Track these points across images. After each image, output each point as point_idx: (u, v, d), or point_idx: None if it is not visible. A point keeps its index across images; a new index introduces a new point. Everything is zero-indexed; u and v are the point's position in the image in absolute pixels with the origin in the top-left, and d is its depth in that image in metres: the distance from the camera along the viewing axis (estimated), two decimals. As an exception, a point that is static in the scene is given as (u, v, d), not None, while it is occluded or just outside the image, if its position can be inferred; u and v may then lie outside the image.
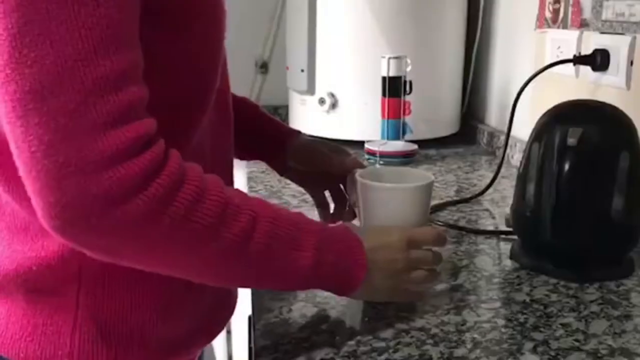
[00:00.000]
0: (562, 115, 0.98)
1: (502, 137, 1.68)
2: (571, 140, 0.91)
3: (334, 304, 0.86)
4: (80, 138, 0.57)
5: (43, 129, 0.57)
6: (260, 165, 1.61)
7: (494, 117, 1.83)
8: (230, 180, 0.89)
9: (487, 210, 1.28)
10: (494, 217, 1.24)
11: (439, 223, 1.18)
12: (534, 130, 1.00)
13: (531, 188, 0.97)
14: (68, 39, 0.56)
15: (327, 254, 0.73)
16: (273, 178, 1.49)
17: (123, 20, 0.59)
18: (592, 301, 0.88)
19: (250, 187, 1.42)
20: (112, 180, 0.58)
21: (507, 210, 1.06)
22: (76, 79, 0.56)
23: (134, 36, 0.61)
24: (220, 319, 0.86)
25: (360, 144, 1.72)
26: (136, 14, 0.62)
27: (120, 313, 0.72)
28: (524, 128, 1.51)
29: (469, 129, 1.90)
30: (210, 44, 0.73)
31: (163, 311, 0.75)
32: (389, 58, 1.61)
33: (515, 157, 1.58)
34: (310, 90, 1.82)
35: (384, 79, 1.62)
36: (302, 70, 1.82)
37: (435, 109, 1.81)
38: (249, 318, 1.19)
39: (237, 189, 0.71)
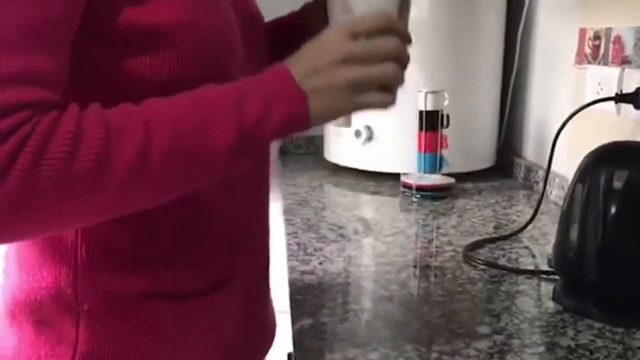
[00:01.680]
0: (606, 157, 0.97)
1: (540, 172, 1.67)
2: (617, 184, 0.90)
3: (376, 345, 0.86)
4: None
5: None
6: (297, 197, 1.62)
7: (531, 150, 1.82)
8: (264, 212, 0.90)
9: (527, 248, 1.26)
10: (534, 256, 1.22)
11: (479, 261, 1.17)
12: (578, 170, 0.99)
13: (575, 229, 0.96)
14: None
15: (250, 107, 0.67)
16: (310, 210, 1.50)
17: (35, 21, 0.58)
18: None
19: (287, 220, 1.42)
20: None
21: (548, 248, 1.05)
22: None
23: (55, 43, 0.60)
24: (247, 355, 0.86)
25: (396, 176, 1.72)
26: (66, 22, 0.61)
27: (119, 347, 0.73)
28: (562, 163, 1.50)
29: (506, 162, 1.89)
30: (200, 63, 0.71)
31: (165, 346, 0.75)
32: (427, 92, 1.61)
33: (554, 192, 1.56)
34: (347, 122, 1.82)
35: (421, 112, 1.63)
36: (339, 103, 1.82)
37: (471, 142, 1.80)
38: (289, 356, 1.19)
39: (124, 107, 0.64)
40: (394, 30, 0.73)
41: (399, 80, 0.74)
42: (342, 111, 0.73)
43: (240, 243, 0.84)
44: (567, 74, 1.57)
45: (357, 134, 1.79)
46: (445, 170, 1.67)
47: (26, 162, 0.56)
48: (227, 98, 0.67)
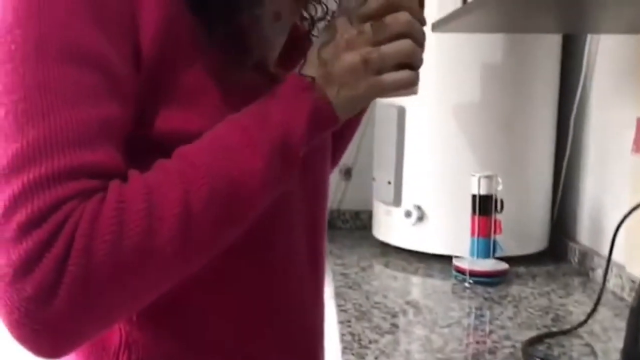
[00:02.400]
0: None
1: (596, 258, 1.64)
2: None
3: None
4: None
5: None
6: (347, 279, 1.60)
7: (585, 235, 1.79)
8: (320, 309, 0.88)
9: (588, 345, 1.22)
10: (596, 354, 1.18)
11: (537, 359, 1.13)
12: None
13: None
14: None
15: (272, 121, 0.67)
16: (361, 295, 1.48)
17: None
18: None
19: (339, 306, 1.41)
20: (30, 284, 0.57)
21: (611, 346, 1.01)
22: None
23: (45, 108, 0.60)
24: None
25: (447, 259, 1.70)
26: (117, 122, 0.63)
27: None
28: (619, 251, 1.47)
29: (559, 245, 1.86)
30: None
31: None
32: (480, 177, 1.60)
33: (612, 281, 1.53)
34: (397, 202, 1.82)
35: (474, 196, 1.61)
36: (389, 182, 1.82)
37: (524, 225, 1.78)
38: None
39: (159, 168, 0.65)
40: (402, 7, 0.70)
41: (415, 57, 0.71)
42: (363, 95, 0.71)
43: (294, 339, 0.83)
44: (623, 160, 1.55)
45: (408, 214, 1.78)
46: (498, 254, 1.64)
47: (78, 253, 0.57)
48: (249, 126, 0.67)
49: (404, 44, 0.69)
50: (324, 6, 0.79)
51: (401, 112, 1.79)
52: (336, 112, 0.70)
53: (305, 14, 0.87)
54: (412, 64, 0.71)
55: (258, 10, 0.72)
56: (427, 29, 0.75)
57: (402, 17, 0.69)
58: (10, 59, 0.60)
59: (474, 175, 1.61)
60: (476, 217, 1.61)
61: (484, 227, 1.61)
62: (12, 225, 0.57)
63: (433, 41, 0.74)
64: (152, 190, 0.62)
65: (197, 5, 0.68)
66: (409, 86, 0.71)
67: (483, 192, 1.60)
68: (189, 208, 0.62)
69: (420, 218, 1.77)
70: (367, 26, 0.69)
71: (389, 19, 0.69)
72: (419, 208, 1.77)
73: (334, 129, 0.73)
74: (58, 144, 0.59)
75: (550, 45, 1.79)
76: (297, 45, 0.84)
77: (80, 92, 0.60)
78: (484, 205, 1.60)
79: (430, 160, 1.77)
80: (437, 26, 1.44)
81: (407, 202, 1.79)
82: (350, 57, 0.69)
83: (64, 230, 0.58)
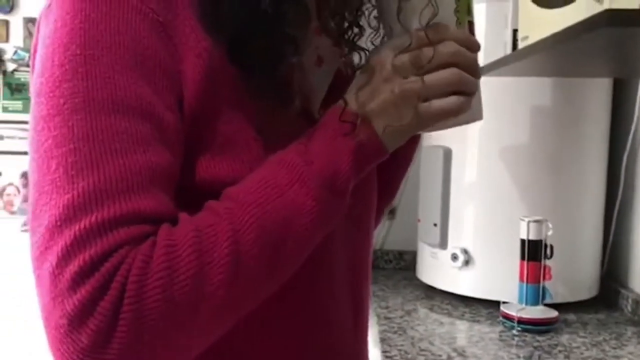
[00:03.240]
0: None
1: (650, 307, 1.58)
2: None
3: None
4: (46, 304, 0.59)
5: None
6: (392, 323, 1.58)
7: (638, 282, 1.73)
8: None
9: (644, 402, 1.18)
10: (653, 412, 1.14)
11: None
12: None
13: None
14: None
15: (317, 157, 0.67)
16: (406, 341, 1.46)
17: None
18: None
19: (384, 352, 1.38)
20: (85, 334, 0.57)
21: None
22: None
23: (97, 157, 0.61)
24: None
25: (494, 304, 1.66)
26: (167, 170, 0.64)
27: None
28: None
29: (610, 292, 1.80)
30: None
31: None
32: (529, 221, 1.57)
33: (667, 332, 1.47)
34: (443, 244, 1.79)
35: (523, 241, 1.58)
36: (435, 225, 1.80)
37: (574, 271, 1.74)
38: None
39: (207, 211, 0.65)
40: (446, 38, 0.70)
41: (464, 84, 0.70)
42: (409, 125, 0.70)
43: None
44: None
45: (454, 257, 1.75)
46: (547, 300, 1.60)
47: (131, 300, 0.58)
48: (295, 163, 0.67)
49: (449, 72, 0.69)
50: (365, 52, 0.79)
51: (447, 153, 1.78)
52: (383, 143, 0.70)
53: (347, 59, 0.88)
54: (462, 91, 0.70)
55: (299, 57, 0.72)
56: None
57: (446, 48, 0.69)
58: (59, 112, 0.61)
59: (523, 220, 1.58)
60: (525, 263, 1.58)
61: (533, 273, 1.57)
62: (66, 276, 0.58)
63: (480, 82, 0.73)
64: (201, 233, 0.61)
65: (238, 56, 0.69)
66: (459, 112, 0.70)
67: (532, 237, 1.57)
68: (238, 249, 0.62)
69: (467, 262, 1.74)
70: (412, 56, 0.69)
71: (432, 50, 0.68)
72: (465, 251, 1.74)
73: (381, 160, 0.72)
74: (108, 192, 0.59)
75: (600, 86, 1.76)
76: (342, 91, 0.84)
77: (129, 140, 0.61)
78: (533, 251, 1.57)
79: (477, 203, 1.75)
80: (485, 70, 1.43)
81: (454, 245, 1.77)
82: (395, 88, 0.69)
83: (117, 278, 0.58)
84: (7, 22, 2.18)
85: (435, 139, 1.81)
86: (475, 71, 0.71)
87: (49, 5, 0.66)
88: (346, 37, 0.77)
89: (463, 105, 0.70)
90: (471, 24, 0.73)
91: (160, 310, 0.58)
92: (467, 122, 0.73)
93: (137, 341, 0.58)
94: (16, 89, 2.11)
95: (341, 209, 0.69)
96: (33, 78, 0.66)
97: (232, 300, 0.63)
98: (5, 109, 2.12)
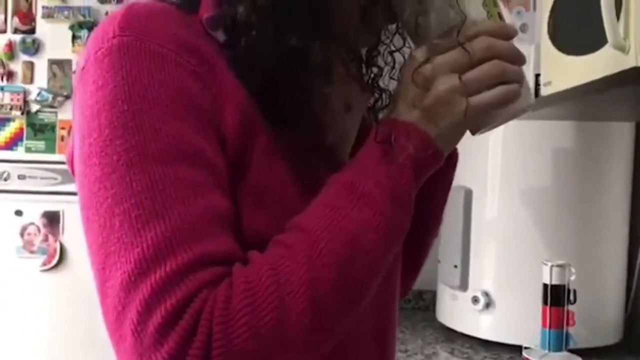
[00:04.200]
0: None
1: (676, 354, 1.55)
2: None
3: None
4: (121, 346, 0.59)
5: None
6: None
7: (663, 326, 1.71)
8: None
9: None
10: None
11: None
12: None
13: None
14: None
15: (377, 167, 0.67)
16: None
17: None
18: None
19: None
20: None
21: None
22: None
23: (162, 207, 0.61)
24: None
25: (516, 348, 1.64)
26: (227, 212, 0.64)
27: None
28: None
29: (634, 337, 1.77)
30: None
31: None
32: (552, 265, 1.55)
33: (695, 381, 1.44)
34: (463, 286, 1.78)
35: (545, 286, 1.56)
36: (455, 266, 1.79)
37: (597, 315, 1.71)
38: None
39: (276, 243, 0.65)
40: (479, 34, 0.70)
41: (508, 74, 0.70)
42: (462, 121, 0.69)
43: None
44: None
45: (475, 300, 1.73)
46: (570, 346, 1.57)
47: (220, 343, 0.57)
48: (355, 182, 0.67)
49: (490, 65, 0.69)
50: (388, 92, 0.79)
51: (468, 194, 1.77)
52: (438, 146, 0.69)
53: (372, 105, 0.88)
54: (508, 81, 0.70)
55: (327, 89, 0.72)
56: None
57: (479, 44, 0.69)
58: (115, 169, 0.61)
59: (545, 264, 1.56)
60: (548, 308, 1.55)
61: (555, 319, 1.55)
62: (150, 330, 0.57)
63: (523, 69, 0.73)
64: (275, 266, 0.62)
65: (270, 100, 0.69)
66: (509, 101, 0.70)
67: (555, 282, 1.55)
68: (314, 276, 0.62)
69: (488, 305, 1.72)
70: (448, 56, 0.69)
71: (467, 47, 0.69)
72: (486, 294, 1.72)
73: (439, 165, 0.71)
74: (177, 240, 0.60)
75: (623, 129, 1.75)
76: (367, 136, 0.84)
77: (187, 187, 0.62)
78: (556, 296, 1.55)
79: (498, 245, 1.73)
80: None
81: (474, 287, 1.75)
82: (437, 88, 0.69)
83: (202, 322, 0.58)
84: (32, 64, 2.22)
85: (456, 179, 1.80)
86: (516, 59, 0.71)
87: (84, 67, 0.66)
88: (369, 80, 0.78)
89: (512, 93, 0.70)
90: (500, 15, 0.73)
91: (250, 347, 0.58)
92: (520, 111, 0.73)
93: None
94: (39, 130, 2.14)
95: (407, 221, 0.69)
96: (77, 143, 0.66)
97: (318, 325, 0.62)
98: (28, 149, 2.15)
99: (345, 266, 0.64)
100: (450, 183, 0.98)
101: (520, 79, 0.71)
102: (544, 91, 1.27)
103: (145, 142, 0.62)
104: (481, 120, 0.73)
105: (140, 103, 0.62)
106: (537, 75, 1.37)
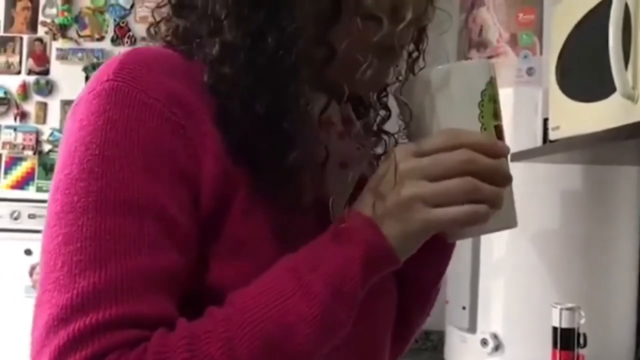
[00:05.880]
0: None
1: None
2: None
3: None
4: None
5: None
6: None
7: (674, 370, 1.69)
8: None
9: None
10: None
11: None
12: None
13: None
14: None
15: (325, 260, 0.65)
16: None
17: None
18: None
19: None
20: None
21: None
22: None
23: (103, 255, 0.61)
24: None
25: (526, 392, 1.63)
26: (174, 273, 0.63)
27: None
28: None
29: (645, 380, 1.76)
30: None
31: None
32: (562, 309, 1.55)
33: None
34: (472, 329, 1.77)
35: (555, 329, 1.55)
36: (464, 308, 1.78)
37: (607, 358, 1.70)
38: None
39: (207, 314, 0.63)
40: (465, 145, 0.66)
41: (478, 194, 0.66)
42: (416, 231, 0.67)
43: None
44: None
45: (484, 342, 1.72)
46: (581, 390, 1.56)
47: None
48: (301, 270, 0.65)
49: (461, 181, 0.65)
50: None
51: (476, 236, 1.77)
52: (393, 249, 0.66)
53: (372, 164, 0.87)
54: (478, 200, 0.66)
55: (304, 157, 0.70)
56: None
57: (457, 156, 0.66)
58: (72, 209, 0.62)
59: (555, 307, 1.56)
60: (557, 352, 1.55)
61: (566, 362, 1.54)
62: None
63: (509, 189, 0.71)
64: (194, 340, 0.60)
65: (246, 155, 0.68)
66: (474, 222, 0.66)
67: (565, 325, 1.54)
68: (233, 355, 0.60)
69: (497, 347, 1.71)
70: (423, 161, 0.67)
71: (444, 156, 0.66)
72: (495, 336, 1.72)
73: (393, 268, 0.69)
74: (106, 294, 0.60)
75: (630, 171, 1.76)
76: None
77: (135, 242, 0.62)
78: (566, 340, 1.54)
79: (507, 287, 1.73)
80: (515, 158, 1.44)
81: (483, 329, 1.74)
82: (403, 192, 0.66)
83: None
84: (45, 105, 2.25)
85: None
86: (498, 179, 0.68)
87: (78, 103, 0.68)
88: (374, 124, 0.78)
89: (477, 215, 0.66)
90: (498, 128, 0.70)
91: None
92: (498, 229, 0.70)
93: None
94: (51, 169, 2.16)
95: (349, 318, 0.66)
96: (54, 173, 0.67)
97: None
98: (39, 189, 2.17)
99: (269, 352, 0.62)
100: (441, 273, 0.91)
101: (495, 201, 0.67)
102: (552, 135, 1.29)
103: (106, 189, 0.62)
104: (451, 232, 0.71)
105: (113, 150, 0.63)
106: (545, 120, 1.39)
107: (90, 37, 2.23)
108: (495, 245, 1.75)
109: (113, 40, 2.27)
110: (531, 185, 1.70)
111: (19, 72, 2.23)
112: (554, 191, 1.70)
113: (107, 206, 0.62)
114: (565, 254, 1.68)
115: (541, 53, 1.65)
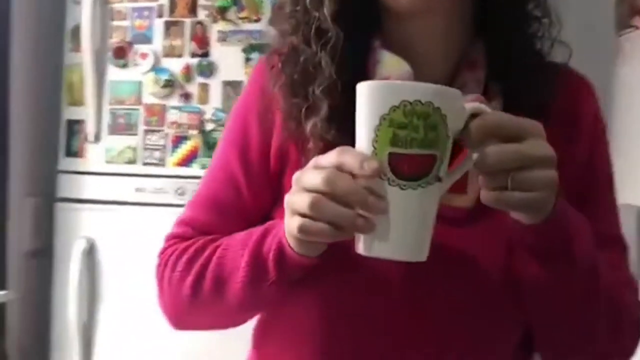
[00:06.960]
0: None
1: None
2: None
3: None
4: None
5: None
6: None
7: None
8: None
9: None
10: None
11: None
12: None
13: None
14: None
15: (255, 238, 0.91)
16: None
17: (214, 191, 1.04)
18: None
19: None
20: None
21: None
22: None
23: (220, 206, 1.02)
24: None
25: None
26: (226, 203, 1.02)
27: None
28: None
29: None
30: None
31: None
32: None
33: None
34: None
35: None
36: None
37: None
38: None
39: (213, 240, 0.98)
40: (339, 164, 0.72)
41: (320, 213, 0.72)
42: (297, 236, 0.78)
43: None
44: None
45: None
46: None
47: (162, 269, 1.01)
48: (252, 233, 0.92)
49: (306, 197, 0.72)
50: None
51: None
52: (284, 244, 0.84)
53: None
54: (320, 218, 0.72)
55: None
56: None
57: (323, 173, 0.71)
58: (217, 149, 1.08)
59: None
60: None
61: None
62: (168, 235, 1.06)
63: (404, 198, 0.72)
64: (197, 250, 0.96)
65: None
66: (329, 238, 0.74)
67: None
68: (203, 272, 0.94)
69: None
70: (304, 172, 0.75)
71: (314, 171, 0.73)
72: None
73: (303, 262, 0.82)
74: (197, 200, 1.05)
75: None
76: None
77: (220, 179, 1.03)
78: None
79: None
80: None
81: None
82: (287, 195, 0.79)
83: (164, 254, 1.02)
84: (207, 85, 2.35)
85: (623, 198, 1.68)
86: (350, 201, 0.70)
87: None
88: None
89: (309, 230, 0.74)
90: (397, 156, 0.68)
91: (166, 287, 0.99)
92: (387, 257, 0.71)
93: (161, 298, 1.01)
94: (212, 147, 2.25)
95: (264, 285, 0.88)
96: None
97: (197, 300, 0.95)
98: (203, 166, 2.27)
99: (218, 284, 0.93)
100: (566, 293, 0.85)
101: (338, 222, 0.72)
102: None
103: (219, 149, 1.06)
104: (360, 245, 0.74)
105: (225, 132, 1.07)
106: None
107: (248, 19, 2.29)
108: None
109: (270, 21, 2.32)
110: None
111: (182, 55, 2.34)
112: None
113: (216, 157, 1.06)
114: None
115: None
